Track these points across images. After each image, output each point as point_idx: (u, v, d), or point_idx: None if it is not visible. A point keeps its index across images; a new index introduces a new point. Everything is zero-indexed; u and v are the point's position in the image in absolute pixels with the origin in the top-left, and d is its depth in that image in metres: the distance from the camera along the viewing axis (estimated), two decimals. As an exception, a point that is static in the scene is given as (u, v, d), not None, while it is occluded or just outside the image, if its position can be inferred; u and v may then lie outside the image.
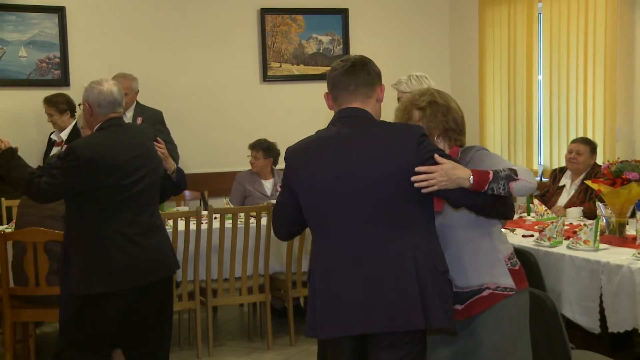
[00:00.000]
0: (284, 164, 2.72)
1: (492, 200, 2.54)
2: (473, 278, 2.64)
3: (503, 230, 2.86)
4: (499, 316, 2.64)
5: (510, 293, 2.64)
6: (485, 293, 2.63)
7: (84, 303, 3.36)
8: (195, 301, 4.96)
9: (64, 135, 5.84)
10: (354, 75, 2.63)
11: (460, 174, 2.48)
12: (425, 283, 2.47)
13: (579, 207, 5.00)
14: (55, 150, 5.76)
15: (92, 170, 3.29)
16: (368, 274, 2.49)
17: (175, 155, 5.87)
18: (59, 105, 5.89)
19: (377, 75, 2.70)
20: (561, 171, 5.53)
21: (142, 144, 3.49)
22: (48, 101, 5.93)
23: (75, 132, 5.59)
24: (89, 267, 3.34)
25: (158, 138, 3.67)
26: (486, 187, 2.48)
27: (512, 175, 2.49)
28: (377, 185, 2.51)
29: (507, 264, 2.67)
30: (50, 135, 6.05)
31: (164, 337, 3.61)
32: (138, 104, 6.02)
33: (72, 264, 3.38)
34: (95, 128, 3.45)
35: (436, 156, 2.49)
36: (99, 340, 3.42)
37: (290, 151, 2.70)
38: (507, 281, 2.64)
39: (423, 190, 2.48)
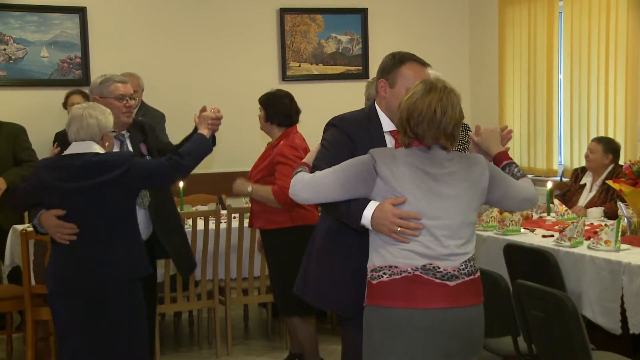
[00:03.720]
0: None
1: None
2: None
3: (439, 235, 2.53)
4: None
5: (364, 304, 2.61)
6: None
7: None
8: (214, 300, 4.98)
9: None
10: None
11: None
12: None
13: (599, 208, 4.97)
14: None
15: None
16: None
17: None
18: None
19: None
20: (582, 171, 5.50)
21: None
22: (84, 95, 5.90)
23: None
24: None
25: None
26: None
27: None
28: None
29: (368, 275, 2.58)
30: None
31: None
32: (142, 104, 5.97)
33: None
34: None
35: None
36: None
37: None
38: (364, 291, 2.61)
39: None
